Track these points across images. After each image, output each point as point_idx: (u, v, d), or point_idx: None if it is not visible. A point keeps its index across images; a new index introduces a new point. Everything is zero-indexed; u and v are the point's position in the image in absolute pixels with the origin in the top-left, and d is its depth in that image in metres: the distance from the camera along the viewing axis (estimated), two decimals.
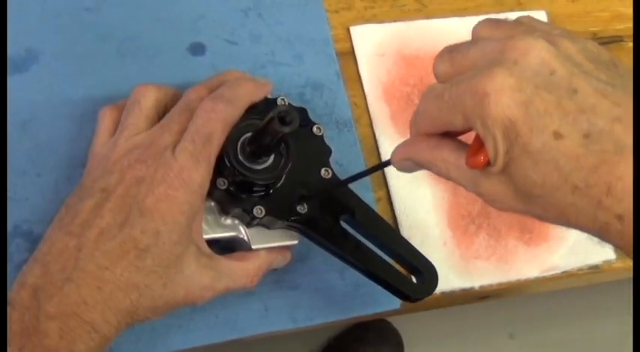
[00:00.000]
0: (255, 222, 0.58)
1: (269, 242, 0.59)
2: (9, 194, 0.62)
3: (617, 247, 0.44)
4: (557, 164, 0.41)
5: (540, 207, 0.44)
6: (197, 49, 0.69)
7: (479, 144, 0.45)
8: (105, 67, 0.67)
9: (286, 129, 0.51)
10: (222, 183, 0.56)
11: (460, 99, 0.44)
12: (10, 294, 0.51)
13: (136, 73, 0.68)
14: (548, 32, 0.45)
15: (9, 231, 0.61)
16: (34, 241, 0.61)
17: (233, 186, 0.57)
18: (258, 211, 0.57)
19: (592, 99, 0.41)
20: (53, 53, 0.66)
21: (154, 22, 0.69)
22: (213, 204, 0.58)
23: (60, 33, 0.67)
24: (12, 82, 0.64)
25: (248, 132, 0.57)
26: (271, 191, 0.58)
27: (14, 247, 0.61)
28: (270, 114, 0.52)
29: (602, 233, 0.43)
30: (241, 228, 0.59)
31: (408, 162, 0.50)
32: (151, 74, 0.68)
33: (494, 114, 0.42)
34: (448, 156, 0.47)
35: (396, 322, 1.68)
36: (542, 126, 0.41)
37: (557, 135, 0.41)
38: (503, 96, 0.42)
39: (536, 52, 0.43)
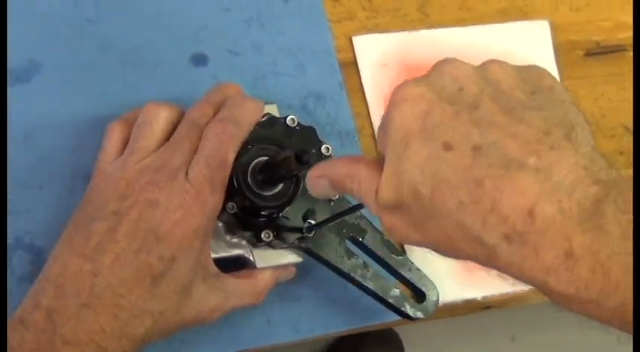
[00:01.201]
0: (262, 244, 0.58)
1: (274, 261, 0.60)
2: (10, 207, 0.61)
3: (511, 276, 0.39)
4: (445, 176, 0.39)
5: (431, 232, 0.41)
6: (199, 60, 0.69)
7: None
8: (107, 77, 0.67)
9: (303, 170, 0.51)
10: (232, 208, 0.56)
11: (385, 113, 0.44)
12: (22, 312, 0.51)
13: (138, 84, 0.67)
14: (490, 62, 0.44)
15: (10, 243, 0.61)
16: (36, 253, 0.61)
17: (242, 211, 0.57)
18: (266, 235, 0.57)
19: (492, 116, 0.39)
20: (55, 64, 0.66)
21: (156, 32, 0.69)
22: (220, 224, 0.58)
23: (62, 44, 0.66)
24: (14, 93, 0.64)
25: (259, 157, 0.57)
26: (279, 215, 0.58)
27: (16, 259, 0.61)
28: (287, 153, 0.52)
29: (491, 260, 0.39)
30: (247, 248, 0.59)
31: (323, 180, 0.48)
32: (153, 85, 0.67)
33: (394, 124, 0.41)
34: (364, 174, 0.45)
35: (397, 326, 1.68)
36: (434, 136, 0.39)
37: (447, 146, 0.39)
38: (404, 106, 0.41)
39: (451, 69, 0.42)
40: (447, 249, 0.42)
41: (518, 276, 0.39)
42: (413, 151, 0.40)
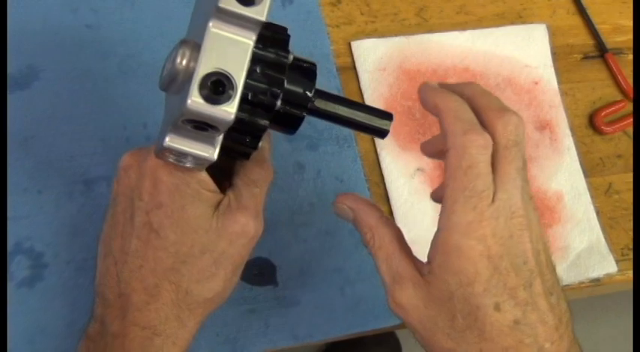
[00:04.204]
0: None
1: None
2: (10, 212, 0.62)
3: None
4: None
5: (449, 312, 0.46)
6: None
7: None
8: (105, 83, 0.67)
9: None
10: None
11: None
12: (86, 328, 0.52)
13: (136, 90, 0.68)
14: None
15: (10, 249, 0.61)
16: (35, 258, 0.61)
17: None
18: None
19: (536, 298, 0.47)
20: (54, 70, 0.66)
21: (154, 38, 0.69)
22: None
23: (61, 50, 0.67)
24: (13, 99, 0.64)
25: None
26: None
27: (15, 265, 0.61)
28: None
29: None
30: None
31: (349, 212, 0.53)
32: (151, 91, 0.67)
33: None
34: (389, 240, 0.50)
35: (394, 330, 1.68)
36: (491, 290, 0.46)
37: (496, 307, 0.46)
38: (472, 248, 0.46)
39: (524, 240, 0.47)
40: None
41: None
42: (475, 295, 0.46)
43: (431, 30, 0.78)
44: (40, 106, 0.65)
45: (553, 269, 0.49)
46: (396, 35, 0.77)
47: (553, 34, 0.82)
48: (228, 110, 0.42)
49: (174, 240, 0.50)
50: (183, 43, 0.44)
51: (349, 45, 0.75)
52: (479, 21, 0.80)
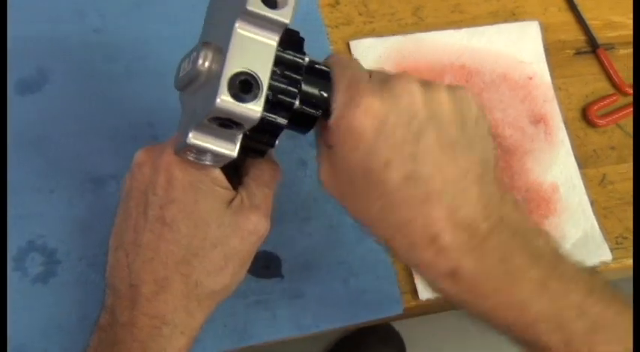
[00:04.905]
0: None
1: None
2: (23, 210, 0.64)
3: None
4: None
5: (350, 179, 0.48)
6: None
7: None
8: (112, 85, 0.69)
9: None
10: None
11: None
12: (99, 320, 0.53)
13: (142, 91, 0.70)
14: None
15: (23, 246, 0.63)
16: (48, 255, 0.63)
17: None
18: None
19: (430, 151, 0.47)
20: (63, 73, 0.68)
21: (160, 41, 0.71)
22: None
23: (69, 54, 0.69)
24: (24, 101, 0.67)
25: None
26: None
27: (29, 261, 0.63)
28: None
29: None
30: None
31: None
32: (156, 92, 0.69)
33: (352, 124, 0.47)
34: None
35: (398, 325, 1.69)
36: (379, 151, 0.47)
37: (387, 164, 0.47)
38: (365, 116, 0.47)
39: (408, 93, 0.47)
40: (362, 221, 0.50)
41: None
42: (361, 149, 0.47)
43: (427, 29, 0.80)
44: (50, 108, 0.67)
45: (462, 124, 0.49)
46: (393, 34, 0.79)
47: (546, 30, 0.84)
48: (255, 108, 0.44)
49: (186, 233, 0.51)
50: (205, 45, 0.46)
51: (348, 45, 0.77)
52: (473, 19, 0.82)
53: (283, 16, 0.44)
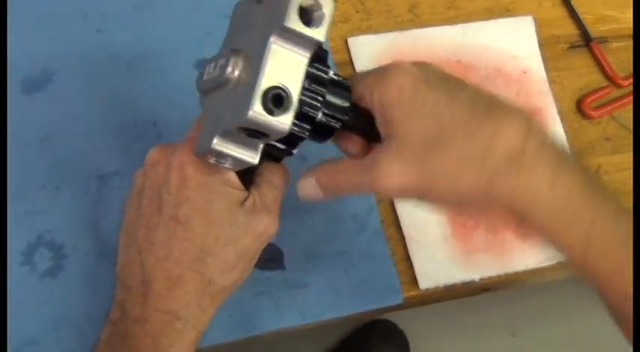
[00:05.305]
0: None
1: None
2: (30, 207, 0.65)
3: (502, 201, 0.49)
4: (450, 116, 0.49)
5: (433, 167, 0.49)
6: (203, 65, 0.73)
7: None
8: (116, 84, 0.71)
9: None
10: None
11: None
12: (110, 314, 0.54)
13: (144, 90, 0.71)
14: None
15: (32, 241, 0.65)
16: (57, 249, 0.65)
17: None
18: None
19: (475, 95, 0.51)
20: (67, 72, 0.70)
21: (161, 40, 0.73)
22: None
23: (73, 53, 0.71)
24: (30, 101, 0.69)
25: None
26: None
27: (38, 256, 0.65)
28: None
29: (488, 188, 0.48)
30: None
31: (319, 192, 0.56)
32: (160, 91, 0.71)
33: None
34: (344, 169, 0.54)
35: (401, 323, 1.71)
36: (439, 89, 0.50)
37: (452, 96, 0.50)
38: (403, 75, 0.51)
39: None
40: (446, 185, 0.49)
41: (508, 201, 0.48)
42: (421, 101, 0.49)
43: (423, 25, 0.82)
44: (55, 107, 0.69)
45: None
46: (390, 31, 0.80)
47: (540, 25, 0.85)
48: (285, 122, 0.46)
49: (200, 232, 0.53)
50: (234, 52, 0.48)
51: (346, 42, 0.79)
52: (468, 15, 0.84)
53: (318, 34, 0.46)
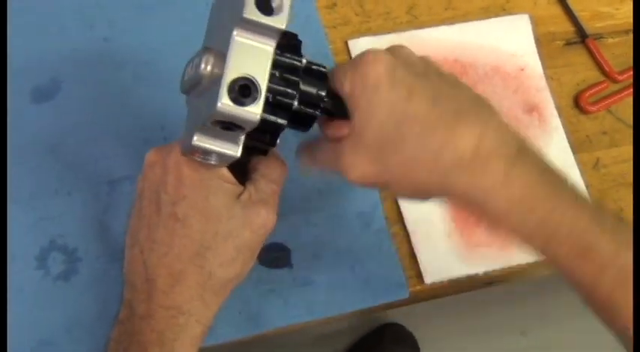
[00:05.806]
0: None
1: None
2: (43, 213, 0.67)
3: (456, 198, 0.52)
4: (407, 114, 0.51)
5: (392, 163, 0.51)
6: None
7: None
8: (123, 91, 0.73)
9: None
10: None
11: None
12: (119, 314, 0.56)
13: (151, 95, 0.73)
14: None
15: (45, 246, 0.66)
16: (69, 253, 0.67)
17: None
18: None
19: (439, 85, 0.53)
20: (75, 81, 0.72)
21: (165, 47, 0.74)
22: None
23: (80, 62, 0.72)
24: (40, 109, 0.70)
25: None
26: None
27: (51, 260, 0.66)
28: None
29: (443, 186, 0.51)
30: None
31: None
32: (165, 95, 0.72)
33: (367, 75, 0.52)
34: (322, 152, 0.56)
35: (411, 325, 1.71)
36: (400, 85, 0.51)
37: (410, 93, 0.51)
38: (376, 63, 0.52)
39: (402, 50, 0.56)
40: (402, 180, 0.52)
41: (464, 196, 0.51)
42: (382, 96, 0.51)
43: (421, 26, 0.84)
44: (64, 115, 0.71)
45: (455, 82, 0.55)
46: (388, 33, 0.82)
47: (536, 23, 0.87)
48: (254, 111, 0.47)
49: (198, 228, 0.54)
50: (206, 50, 0.49)
51: (346, 44, 0.81)
52: (465, 15, 0.86)
53: (278, 22, 0.47)
